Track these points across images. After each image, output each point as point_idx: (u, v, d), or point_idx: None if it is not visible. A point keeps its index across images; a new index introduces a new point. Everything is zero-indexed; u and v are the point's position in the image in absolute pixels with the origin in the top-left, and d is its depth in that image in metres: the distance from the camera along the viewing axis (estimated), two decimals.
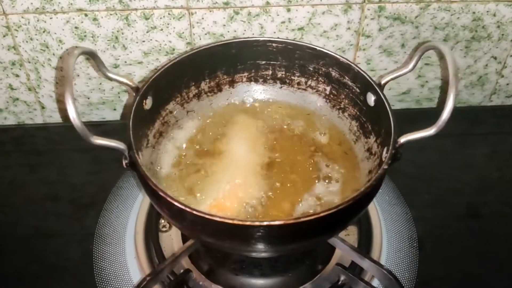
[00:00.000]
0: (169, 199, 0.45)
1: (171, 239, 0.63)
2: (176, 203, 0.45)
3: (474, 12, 0.76)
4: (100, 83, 0.81)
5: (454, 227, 0.69)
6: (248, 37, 0.67)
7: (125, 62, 0.78)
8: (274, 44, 0.63)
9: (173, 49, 0.77)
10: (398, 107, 0.90)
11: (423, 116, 0.82)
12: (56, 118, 0.86)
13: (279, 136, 0.63)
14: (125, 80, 0.56)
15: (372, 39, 0.78)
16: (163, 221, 0.64)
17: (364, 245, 0.63)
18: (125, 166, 0.50)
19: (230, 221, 0.44)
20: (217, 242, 0.48)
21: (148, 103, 0.57)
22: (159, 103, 0.60)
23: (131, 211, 0.68)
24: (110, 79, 0.56)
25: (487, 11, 0.76)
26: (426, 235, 0.66)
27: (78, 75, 0.80)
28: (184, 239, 0.61)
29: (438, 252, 0.65)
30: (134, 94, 0.55)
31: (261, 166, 0.59)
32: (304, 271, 0.60)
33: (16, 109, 0.84)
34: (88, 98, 0.83)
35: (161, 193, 0.46)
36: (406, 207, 0.69)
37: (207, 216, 0.44)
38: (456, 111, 0.86)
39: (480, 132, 0.86)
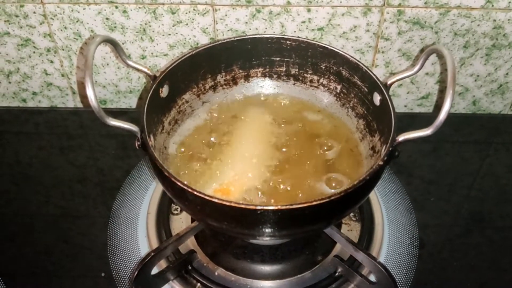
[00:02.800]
0: (172, 179, 0.49)
1: (181, 222, 0.67)
2: (178, 183, 0.48)
3: (495, 20, 0.76)
4: (128, 73, 0.86)
5: (458, 233, 0.70)
6: (263, 34, 0.70)
7: (152, 53, 0.82)
8: (287, 42, 0.66)
9: (197, 43, 0.81)
10: (417, 111, 0.91)
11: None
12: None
13: (288, 130, 0.66)
14: (143, 68, 0.60)
15: (391, 42, 0.80)
16: (175, 204, 0.68)
17: (365, 241, 0.64)
18: (137, 147, 0.54)
19: (227, 203, 0.47)
20: (216, 223, 0.51)
21: (164, 92, 0.61)
22: (175, 92, 0.64)
23: (146, 194, 0.72)
24: (130, 66, 0.60)
25: (508, 20, 0.76)
26: (428, 238, 0.67)
27: (108, 64, 0.84)
28: (193, 221, 0.65)
29: (438, 255, 0.66)
30: (151, 82, 0.59)
31: (269, 157, 0.62)
32: (304, 261, 0.62)
33: (49, 93, 0.90)
34: (116, 86, 0.88)
35: (165, 173, 0.49)
36: (412, 209, 0.71)
37: (206, 197, 0.47)
38: (475, 118, 0.89)
39: (499, 141, 0.86)
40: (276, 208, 0.47)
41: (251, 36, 0.67)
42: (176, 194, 0.51)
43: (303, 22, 0.78)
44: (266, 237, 0.52)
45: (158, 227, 0.66)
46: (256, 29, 0.78)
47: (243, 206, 0.47)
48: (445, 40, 0.79)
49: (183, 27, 0.79)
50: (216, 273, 0.60)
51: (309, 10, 0.76)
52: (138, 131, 0.53)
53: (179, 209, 0.68)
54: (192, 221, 0.65)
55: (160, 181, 0.53)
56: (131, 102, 0.91)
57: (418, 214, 0.70)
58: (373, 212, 0.67)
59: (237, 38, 0.66)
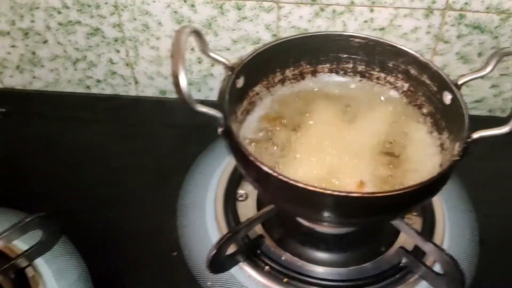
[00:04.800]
0: (258, 163, 0.51)
1: (247, 208, 0.69)
2: (264, 167, 0.51)
3: None
4: (190, 65, 0.89)
5: None
6: (331, 31, 0.73)
7: (215, 47, 0.85)
8: (356, 40, 0.68)
9: (259, 39, 0.84)
10: (471, 113, 0.92)
11: (492, 124, 0.84)
12: (147, 93, 0.95)
13: (355, 125, 0.67)
14: (223, 59, 0.63)
15: (450, 45, 0.81)
16: (240, 191, 0.71)
17: (427, 234, 0.66)
18: (219, 134, 0.56)
19: (311, 188, 0.49)
20: (294, 207, 0.53)
21: (240, 83, 0.64)
22: (248, 84, 0.66)
23: (210, 181, 0.74)
24: (210, 57, 0.63)
25: None
26: (488, 236, 0.69)
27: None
28: (259, 208, 0.68)
29: (499, 250, 0.68)
30: (229, 73, 0.62)
31: (335, 150, 0.63)
32: (367, 251, 0.65)
33: (113, 82, 0.94)
34: None
35: (251, 158, 0.52)
36: (471, 203, 0.72)
37: (290, 181, 0.49)
38: None
39: None
40: (358, 195, 0.49)
41: (319, 33, 0.69)
42: (259, 179, 0.53)
43: (365, 21, 0.80)
44: (337, 223, 0.54)
45: (226, 213, 0.69)
46: (319, 27, 0.81)
47: (325, 191, 0.48)
48: (504, 45, 0.81)
49: (248, 23, 0.82)
50: (283, 258, 0.63)
51: (372, 10, 0.78)
52: (222, 118, 0.56)
53: (244, 196, 0.71)
54: (258, 206, 0.68)
55: (242, 167, 0.56)
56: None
57: (478, 213, 0.71)
58: (433, 208, 0.69)
59: (305, 35, 0.69)
